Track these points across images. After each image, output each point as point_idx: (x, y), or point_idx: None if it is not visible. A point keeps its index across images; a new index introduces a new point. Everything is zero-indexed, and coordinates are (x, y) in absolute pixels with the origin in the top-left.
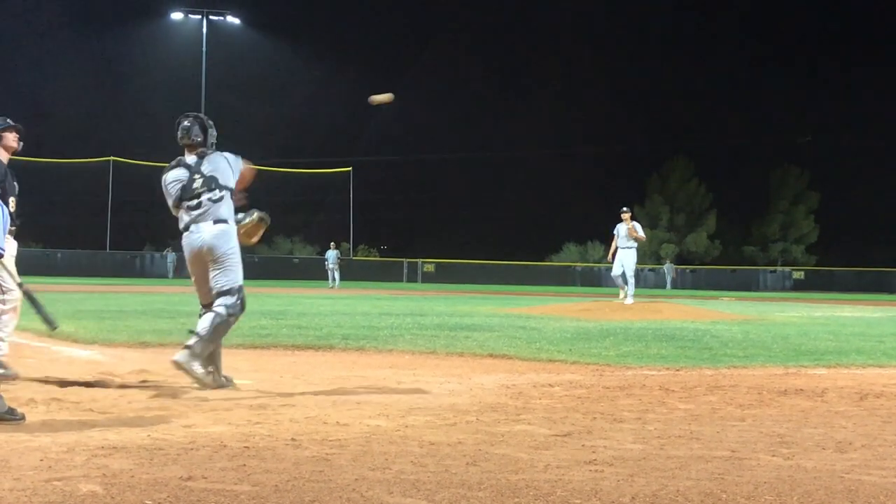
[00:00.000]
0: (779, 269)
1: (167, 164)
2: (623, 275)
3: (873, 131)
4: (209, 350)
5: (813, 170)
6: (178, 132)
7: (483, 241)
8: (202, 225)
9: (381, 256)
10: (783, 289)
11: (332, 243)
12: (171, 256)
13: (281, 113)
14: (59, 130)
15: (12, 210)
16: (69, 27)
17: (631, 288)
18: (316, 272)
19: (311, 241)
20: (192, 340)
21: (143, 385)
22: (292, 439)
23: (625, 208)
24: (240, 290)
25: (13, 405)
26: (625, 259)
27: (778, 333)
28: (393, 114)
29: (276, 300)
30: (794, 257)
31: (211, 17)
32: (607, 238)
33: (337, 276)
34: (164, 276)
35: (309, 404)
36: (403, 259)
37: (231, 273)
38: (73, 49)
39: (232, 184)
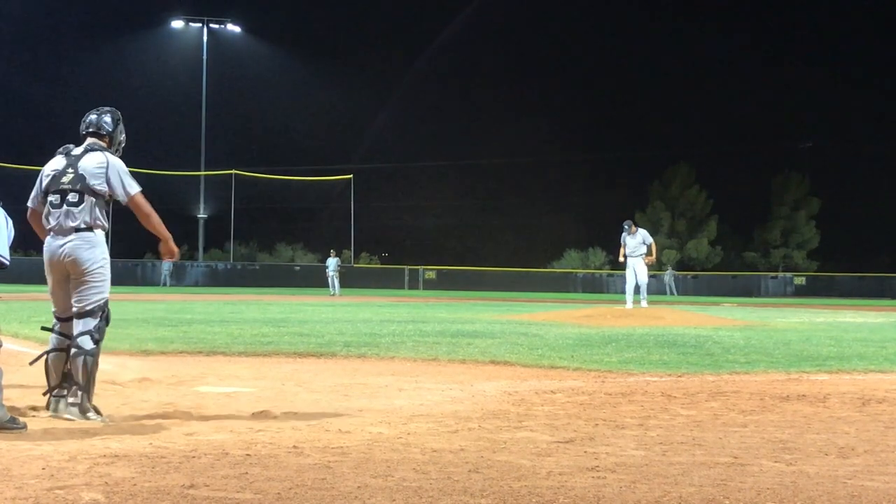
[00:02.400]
0: (780, 274)
1: (171, 173)
2: (637, 284)
3: (874, 137)
4: (93, 391)
5: (814, 175)
6: (84, 123)
7: (484, 247)
8: (64, 234)
9: (382, 263)
10: (785, 294)
11: (332, 251)
12: (166, 265)
13: (281, 121)
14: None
15: None
16: (70, 35)
17: (644, 293)
18: (317, 280)
19: (312, 249)
20: (76, 396)
21: (144, 393)
22: (294, 447)
23: (625, 225)
24: (104, 306)
25: (15, 414)
26: (637, 267)
27: (780, 339)
28: (393, 121)
29: (278, 308)
30: (795, 263)
31: (211, 25)
32: (611, 246)
33: (337, 283)
34: (164, 284)
35: (311, 412)
36: (405, 266)
37: (96, 289)
38: (74, 57)
39: (103, 191)
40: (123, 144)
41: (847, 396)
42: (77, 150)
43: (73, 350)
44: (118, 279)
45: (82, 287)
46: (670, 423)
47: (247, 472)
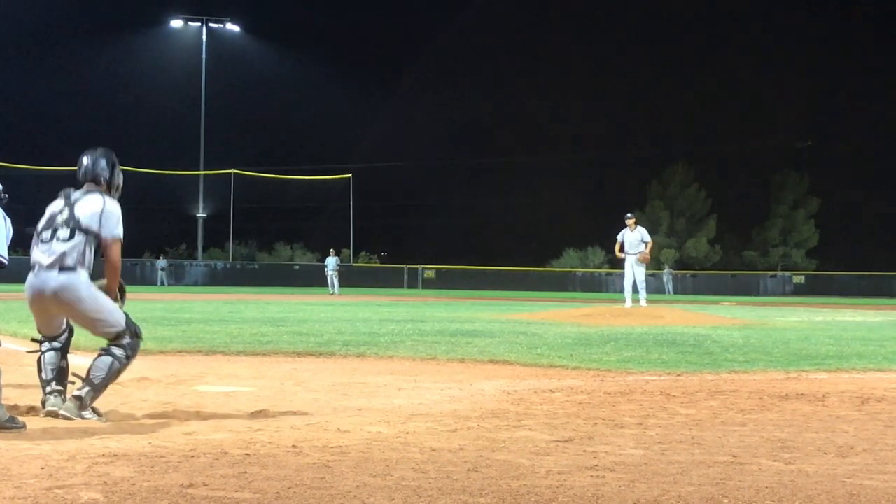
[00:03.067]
0: (779, 273)
1: (170, 172)
2: (634, 283)
3: (873, 135)
4: (99, 396)
5: (813, 174)
6: (80, 167)
7: (483, 246)
8: (47, 271)
9: (381, 263)
10: (783, 293)
11: (331, 250)
12: (162, 263)
13: (281, 119)
14: (57, 138)
15: None
16: (69, 35)
17: (643, 292)
18: (316, 279)
19: (311, 249)
20: (82, 389)
21: (143, 392)
22: (293, 446)
23: (629, 214)
24: (128, 326)
25: (14, 413)
26: (636, 265)
27: (779, 338)
28: (393, 120)
29: (277, 307)
30: (794, 262)
31: (210, 24)
32: (610, 245)
33: (336, 282)
34: (162, 283)
35: (310, 411)
36: (404, 265)
37: (105, 321)
38: (73, 57)
39: (95, 230)
40: (121, 186)
41: (846, 395)
42: (76, 194)
43: (102, 352)
44: None
45: (92, 321)
46: (669, 422)
47: (246, 472)
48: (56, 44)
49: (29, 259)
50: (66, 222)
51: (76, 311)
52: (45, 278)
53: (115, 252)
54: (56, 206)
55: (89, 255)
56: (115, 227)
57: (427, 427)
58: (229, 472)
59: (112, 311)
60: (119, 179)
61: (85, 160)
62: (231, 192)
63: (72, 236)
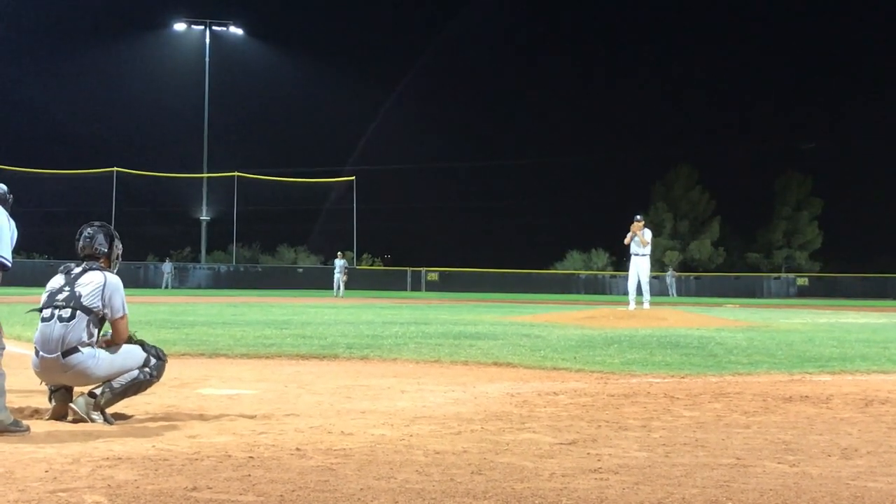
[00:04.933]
0: (783, 275)
1: (174, 175)
2: (638, 284)
3: (876, 137)
4: (114, 403)
5: (816, 176)
6: (80, 241)
7: (487, 249)
8: (50, 356)
9: (384, 265)
10: (787, 295)
11: (339, 253)
12: (168, 267)
13: (284, 122)
14: (62, 142)
15: None
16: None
17: (647, 294)
18: (320, 281)
19: (314, 251)
20: (99, 389)
21: (147, 395)
22: (297, 449)
23: (638, 216)
24: (147, 353)
25: (18, 417)
26: (640, 267)
27: (782, 340)
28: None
29: (280, 310)
30: (798, 264)
31: (214, 27)
32: (614, 247)
33: (342, 285)
34: (167, 286)
35: (313, 414)
36: (407, 268)
37: (120, 368)
38: (76, 60)
39: (97, 309)
40: (121, 255)
41: (850, 397)
42: (76, 269)
43: None
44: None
45: (114, 379)
46: (673, 425)
47: (249, 475)
48: (59, 48)
49: (31, 262)
50: (67, 301)
51: (91, 381)
52: (49, 365)
53: (122, 328)
54: (56, 282)
55: (92, 331)
56: (119, 306)
57: (431, 430)
58: (233, 476)
59: (125, 361)
60: (118, 250)
61: (84, 234)
62: (234, 195)
63: (73, 317)
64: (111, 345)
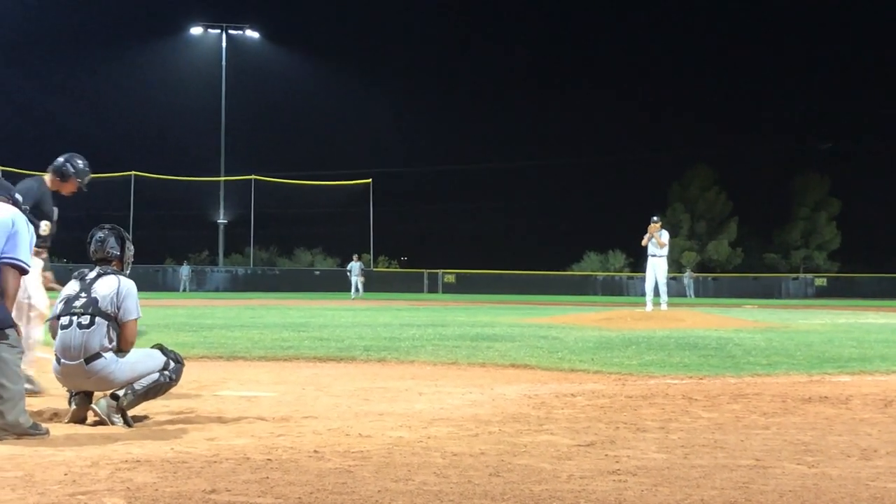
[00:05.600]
0: (801, 276)
1: (191, 179)
2: (656, 286)
3: (895, 136)
4: (135, 406)
5: (834, 176)
6: (92, 245)
7: (503, 250)
8: (72, 362)
9: (401, 267)
10: (806, 296)
11: (355, 255)
12: (185, 270)
13: (300, 125)
14: (80, 146)
15: (49, 232)
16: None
17: (664, 295)
18: (337, 284)
19: (331, 254)
20: (120, 391)
21: (165, 398)
22: (315, 451)
23: (655, 218)
24: (166, 357)
25: (37, 420)
26: (657, 268)
27: (801, 341)
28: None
29: (298, 312)
30: (816, 264)
31: (230, 31)
32: (632, 248)
33: (360, 287)
34: (184, 289)
35: (331, 416)
36: (424, 270)
37: (141, 371)
38: (93, 65)
39: (113, 314)
40: (132, 258)
41: (869, 398)
42: (91, 275)
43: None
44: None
45: (135, 382)
46: (691, 426)
47: (268, 477)
48: (77, 53)
49: (52, 267)
50: (85, 307)
51: (113, 386)
52: (72, 371)
53: (132, 331)
54: (71, 288)
55: (112, 335)
56: (132, 309)
57: (448, 432)
58: (251, 478)
59: (146, 364)
60: (130, 253)
61: (95, 237)
62: (251, 198)
63: (92, 323)
64: (121, 349)
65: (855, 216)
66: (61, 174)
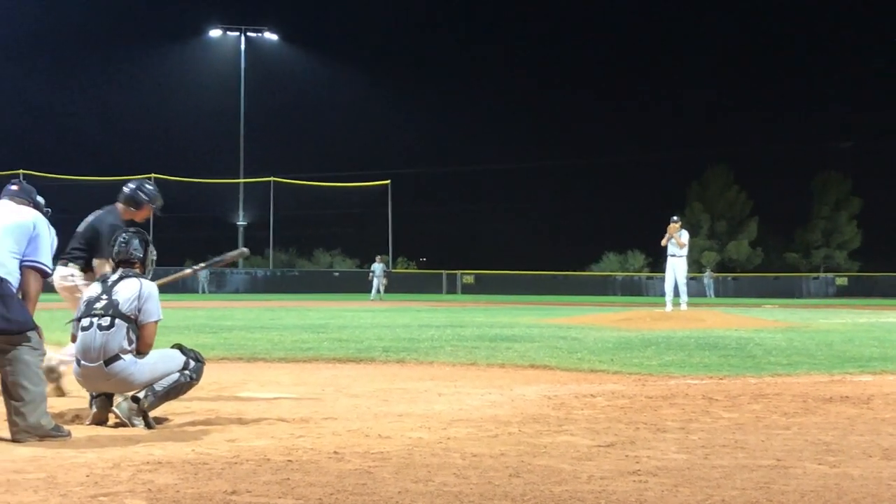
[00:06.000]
0: (822, 275)
1: (210, 181)
2: (675, 286)
3: None
4: (157, 407)
5: (855, 175)
6: (115, 247)
7: (522, 251)
8: (92, 364)
9: (419, 268)
10: (826, 295)
11: (377, 257)
12: (203, 273)
13: (319, 127)
14: (100, 149)
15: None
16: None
17: (684, 296)
18: (356, 285)
19: (350, 255)
20: (141, 392)
21: (186, 400)
22: (335, 452)
23: (674, 218)
24: (186, 356)
25: (59, 422)
26: (676, 268)
27: (822, 340)
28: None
29: (317, 314)
30: (837, 263)
31: (249, 33)
32: (651, 248)
33: (382, 288)
34: (203, 291)
35: (351, 417)
36: (442, 271)
37: (161, 372)
38: (113, 68)
39: (130, 314)
40: (154, 260)
41: (891, 397)
42: (113, 277)
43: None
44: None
45: (155, 380)
46: (712, 426)
47: (288, 478)
48: (95, 56)
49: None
50: (105, 309)
51: (133, 387)
52: (92, 373)
53: (151, 333)
54: (93, 291)
55: (132, 337)
56: (153, 311)
57: (468, 432)
58: (272, 479)
59: (165, 365)
60: (153, 255)
61: (119, 240)
62: (271, 200)
63: (112, 325)
64: (139, 351)
65: (876, 215)
66: (135, 203)
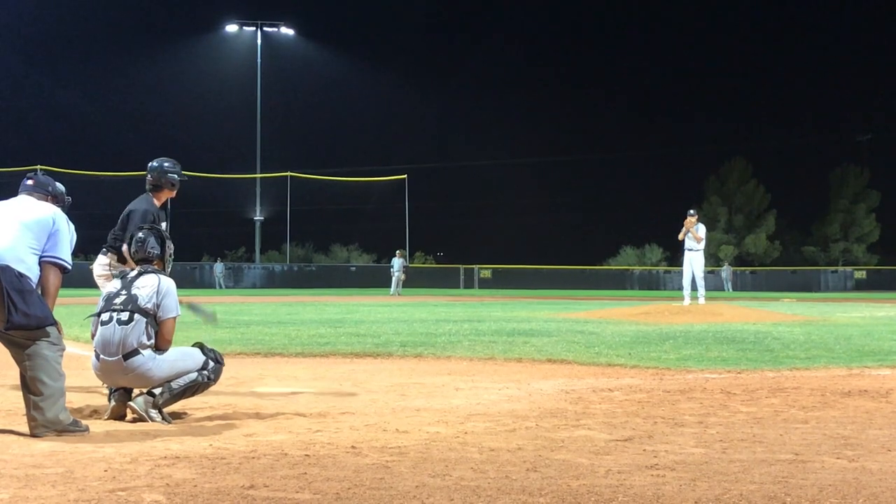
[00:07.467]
0: (840, 269)
1: (227, 176)
2: (693, 280)
3: None
4: (172, 404)
5: (873, 168)
6: (132, 245)
7: (539, 245)
8: (111, 358)
9: (437, 263)
10: (845, 289)
11: (397, 251)
12: (219, 267)
13: (336, 121)
14: (117, 144)
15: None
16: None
17: (702, 289)
18: (373, 280)
19: (367, 250)
20: (157, 388)
21: (203, 394)
22: (352, 447)
23: (691, 211)
24: (206, 356)
25: (77, 417)
26: (694, 262)
27: (840, 334)
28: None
29: (334, 308)
30: (855, 257)
31: (265, 28)
32: (668, 243)
33: (400, 283)
34: (220, 286)
35: (368, 412)
36: (460, 265)
37: (180, 370)
38: (131, 64)
39: (152, 311)
40: (172, 255)
41: None
42: (132, 273)
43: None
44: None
45: (173, 380)
46: (730, 421)
47: (306, 473)
48: (112, 52)
49: (87, 263)
50: (125, 304)
51: (151, 383)
52: (111, 367)
53: (170, 329)
54: (113, 286)
55: (151, 332)
56: (171, 306)
57: (485, 427)
58: (289, 473)
59: (184, 363)
60: (170, 251)
61: (136, 238)
62: (287, 195)
63: (131, 319)
64: (159, 347)
65: (894, 208)
66: (170, 185)
